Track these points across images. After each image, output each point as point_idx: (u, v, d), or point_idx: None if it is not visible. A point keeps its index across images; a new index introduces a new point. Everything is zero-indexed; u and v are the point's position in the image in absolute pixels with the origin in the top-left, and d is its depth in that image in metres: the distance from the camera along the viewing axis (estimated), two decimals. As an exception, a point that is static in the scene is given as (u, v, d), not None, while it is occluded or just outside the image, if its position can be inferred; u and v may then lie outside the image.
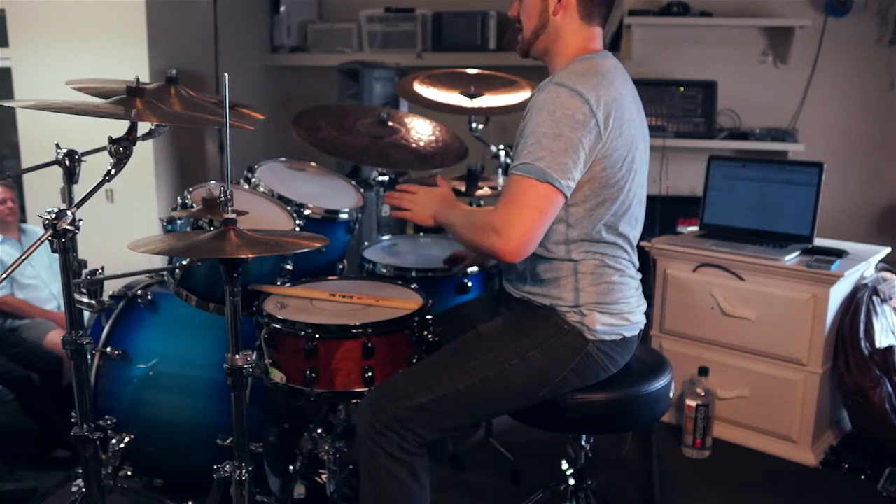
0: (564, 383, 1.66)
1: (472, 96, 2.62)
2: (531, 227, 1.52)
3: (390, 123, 2.61)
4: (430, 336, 1.81)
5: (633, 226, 1.71)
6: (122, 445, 2.13)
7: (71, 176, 1.66)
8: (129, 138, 1.54)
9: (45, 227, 1.44)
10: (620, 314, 1.68)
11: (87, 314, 1.93)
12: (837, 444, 2.76)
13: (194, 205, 1.94)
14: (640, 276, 1.76)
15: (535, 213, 1.52)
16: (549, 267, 1.67)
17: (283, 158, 2.50)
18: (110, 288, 2.09)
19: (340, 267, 2.35)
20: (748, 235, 2.82)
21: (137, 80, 1.60)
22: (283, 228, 2.00)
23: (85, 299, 1.68)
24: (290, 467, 2.17)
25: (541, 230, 1.55)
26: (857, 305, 2.65)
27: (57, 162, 1.64)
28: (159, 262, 2.86)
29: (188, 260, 1.89)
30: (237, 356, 1.58)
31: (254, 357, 1.61)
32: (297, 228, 2.06)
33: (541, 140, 1.52)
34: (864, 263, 2.71)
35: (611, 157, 1.58)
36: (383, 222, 3.21)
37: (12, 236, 3.17)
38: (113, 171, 1.53)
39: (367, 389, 1.73)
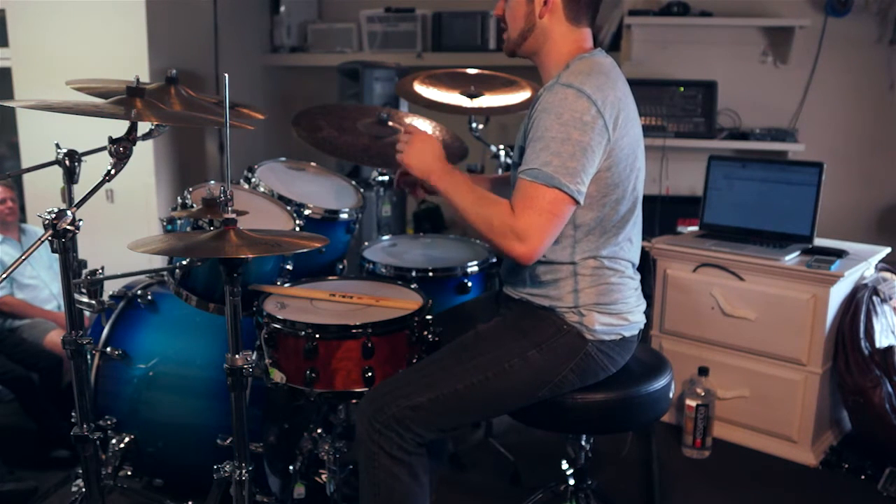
0: (564, 383, 1.66)
1: (472, 96, 2.62)
2: (549, 232, 1.54)
3: (390, 123, 2.61)
4: (430, 336, 1.81)
5: (636, 224, 1.71)
6: (122, 445, 2.14)
7: (71, 176, 1.66)
8: (129, 138, 1.54)
9: (45, 227, 1.44)
10: (619, 314, 1.68)
11: (87, 314, 1.93)
12: (837, 444, 2.76)
13: (194, 205, 1.94)
14: (638, 275, 1.76)
15: (552, 219, 1.53)
16: (549, 269, 1.67)
17: (283, 158, 2.50)
18: (110, 288, 2.09)
19: (340, 267, 2.35)
20: (748, 235, 2.82)
21: (137, 80, 1.60)
22: (283, 228, 2.00)
23: (85, 299, 1.68)
24: (290, 467, 2.17)
25: (554, 235, 1.56)
26: (857, 305, 2.65)
27: (57, 162, 1.64)
28: (159, 262, 2.86)
29: (188, 260, 1.89)
30: (237, 356, 1.58)
31: (254, 357, 1.61)
32: (297, 228, 2.06)
33: (549, 145, 1.51)
34: (864, 263, 2.71)
35: (617, 157, 1.58)
36: (383, 222, 3.21)
37: (12, 236, 3.17)
38: (113, 171, 1.53)
39: (366, 389, 1.72)
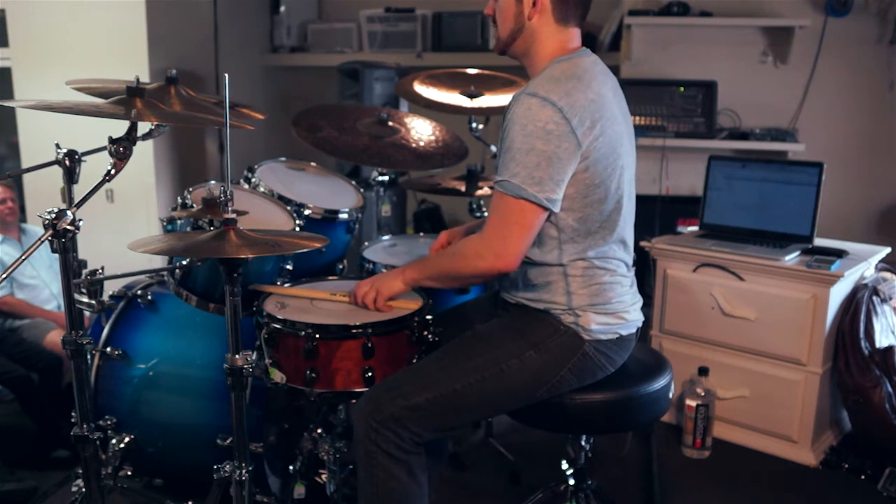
0: (562, 383, 1.66)
1: (472, 96, 2.62)
2: (521, 242, 1.59)
3: (390, 123, 2.61)
4: (430, 336, 1.81)
5: (626, 223, 1.71)
6: (122, 445, 2.13)
7: (71, 176, 1.66)
8: (129, 138, 1.54)
9: (45, 227, 1.44)
10: (615, 313, 1.67)
11: (87, 314, 1.93)
12: (837, 444, 2.76)
13: (194, 205, 1.94)
14: (632, 272, 1.76)
15: (521, 230, 1.58)
16: (539, 272, 1.67)
17: (283, 158, 2.50)
18: (110, 288, 2.10)
19: (340, 267, 2.35)
20: (748, 235, 2.83)
21: (137, 80, 1.60)
22: (283, 228, 2.00)
23: (85, 299, 1.68)
24: (290, 467, 2.17)
25: (528, 243, 1.61)
26: (857, 305, 2.65)
27: (57, 162, 1.64)
28: (159, 262, 2.85)
29: (188, 260, 1.89)
30: (237, 356, 1.58)
31: (254, 357, 1.61)
32: (297, 228, 2.06)
33: (515, 156, 1.55)
34: (864, 263, 2.71)
35: (594, 158, 1.58)
36: (383, 222, 3.21)
37: (12, 236, 3.17)
38: (113, 171, 1.53)
39: (366, 389, 1.72)
